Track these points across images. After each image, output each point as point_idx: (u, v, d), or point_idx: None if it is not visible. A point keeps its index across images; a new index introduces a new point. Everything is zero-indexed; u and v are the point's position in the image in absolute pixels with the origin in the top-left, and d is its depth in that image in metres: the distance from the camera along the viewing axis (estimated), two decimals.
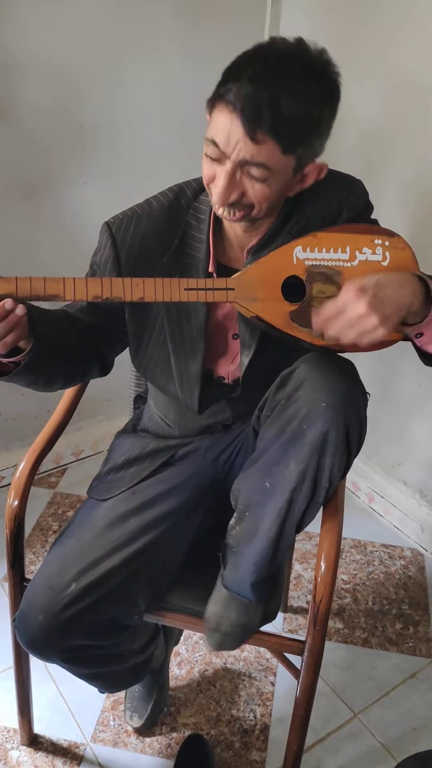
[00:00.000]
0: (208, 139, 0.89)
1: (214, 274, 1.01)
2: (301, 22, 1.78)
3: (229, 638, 1.05)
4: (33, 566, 1.74)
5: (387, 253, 0.94)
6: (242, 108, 0.83)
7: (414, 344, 0.95)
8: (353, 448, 0.94)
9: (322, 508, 1.02)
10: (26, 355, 0.91)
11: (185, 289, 0.90)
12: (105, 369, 1.13)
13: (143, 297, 0.89)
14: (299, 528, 0.99)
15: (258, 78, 0.82)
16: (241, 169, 0.88)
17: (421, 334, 0.92)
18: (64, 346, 1.01)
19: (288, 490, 0.94)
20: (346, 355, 0.96)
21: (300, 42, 0.87)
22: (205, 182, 0.95)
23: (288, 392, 0.94)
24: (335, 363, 0.94)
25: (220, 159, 0.89)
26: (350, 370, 0.95)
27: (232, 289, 0.91)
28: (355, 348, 0.93)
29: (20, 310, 0.86)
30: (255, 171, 0.88)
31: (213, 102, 0.88)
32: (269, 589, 1.07)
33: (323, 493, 0.96)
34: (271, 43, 0.88)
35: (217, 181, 0.90)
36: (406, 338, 0.96)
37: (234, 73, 0.85)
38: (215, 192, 0.91)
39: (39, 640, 0.97)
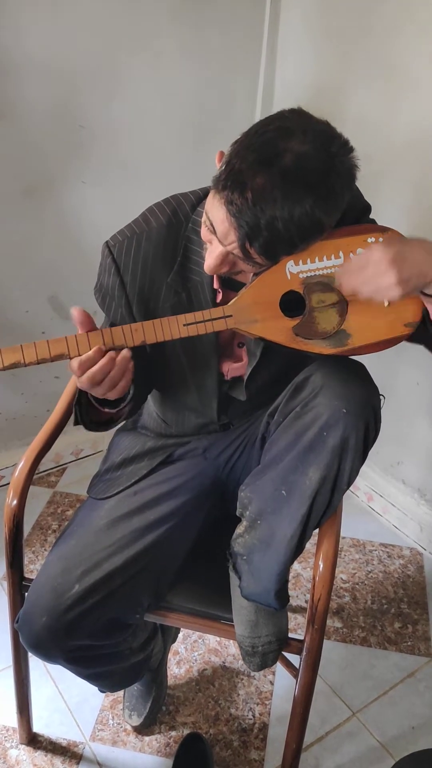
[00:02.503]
0: (207, 214, 0.87)
1: (219, 291, 1.01)
2: (300, 23, 1.78)
3: (269, 656, 1.06)
4: (32, 565, 1.74)
5: None
6: (239, 225, 0.82)
7: (429, 320, 0.94)
8: (369, 449, 0.95)
9: None
10: (129, 402, 0.96)
11: (184, 325, 0.90)
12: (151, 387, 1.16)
13: (144, 340, 0.90)
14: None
15: (259, 198, 0.80)
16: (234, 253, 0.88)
17: None
18: (144, 378, 1.04)
19: (308, 496, 0.95)
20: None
21: (314, 142, 0.81)
22: (201, 236, 0.94)
23: (304, 399, 0.94)
24: (350, 368, 0.94)
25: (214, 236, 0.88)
26: (365, 373, 0.95)
27: (231, 316, 0.91)
28: (362, 351, 0.93)
29: (126, 351, 0.88)
30: (249, 262, 0.88)
31: (216, 188, 0.84)
32: (287, 592, 1.08)
33: (341, 496, 0.97)
34: (282, 141, 0.80)
35: (210, 253, 0.90)
36: (412, 338, 0.96)
37: (238, 177, 0.81)
38: (206, 263, 0.91)
39: (43, 642, 0.97)
